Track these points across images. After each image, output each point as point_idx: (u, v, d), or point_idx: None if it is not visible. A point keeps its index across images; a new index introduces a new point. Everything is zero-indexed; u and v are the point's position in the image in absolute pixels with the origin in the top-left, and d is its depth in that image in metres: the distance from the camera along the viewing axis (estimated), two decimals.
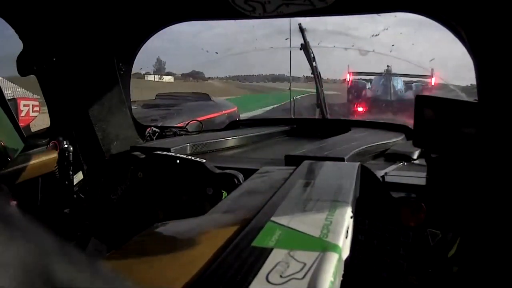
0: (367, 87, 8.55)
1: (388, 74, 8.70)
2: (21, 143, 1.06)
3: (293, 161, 0.95)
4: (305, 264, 0.34)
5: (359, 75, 8.87)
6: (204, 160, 0.97)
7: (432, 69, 8.54)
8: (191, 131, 1.53)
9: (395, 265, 0.73)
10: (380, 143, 1.15)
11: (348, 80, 8.69)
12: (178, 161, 0.98)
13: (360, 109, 7.95)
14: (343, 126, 1.50)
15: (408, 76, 8.80)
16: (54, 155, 1.12)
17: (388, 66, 9.08)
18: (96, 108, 1.25)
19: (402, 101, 7.83)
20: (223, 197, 0.93)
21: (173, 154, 1.01)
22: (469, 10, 0.73)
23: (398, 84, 8.66)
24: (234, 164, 1.01)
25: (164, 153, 1.01)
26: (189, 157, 0.99)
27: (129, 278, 0.18)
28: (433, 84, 8.30)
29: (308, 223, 0.42)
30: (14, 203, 0.94)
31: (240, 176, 0.94)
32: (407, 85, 8.70)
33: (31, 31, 1.06)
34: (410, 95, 8.21)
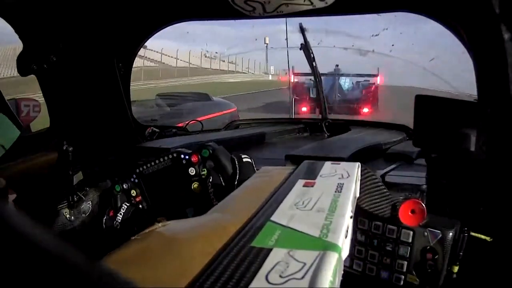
0: (311, 87, 8.56)
1: (334, 74, 8.97)
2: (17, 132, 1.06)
3: (293, 161, 0.95)
4: (305, 264, 0.34)
5: (303, 75, 8.94)
6: (178, 148, 1.00)
7: (378, 68, 8.95)
8: (191, 131, 1.53)
9: (395, 265, 0.73)
10: (380, 143, 1.15)
11: (292, 81, 8.77)
12: (157, 161, 1.02)
13: (304, 108, 8.14)
14: (343, 126, 1.50)
15: (355, 76, 9.10)
16: (54, 155, 1.12)
17: (336, 65, 9.37)
18: (96, 108, 1.25)
19: (347, 100, 8.07)
20: (205, 154, 0.96)
21: (150, 158, 1.04)
22: (469, 10, 0.73)
23: (346, 83, 8.85)
24: None
25: (143, 163, 1.04)
26: (164, 153, 1.02)
27: (129, 278, 0.18)
28: (378, 82, 8.56)
29: (308, 223, 0.42)
30: (12, 202, 0.94)
31: (214, 145, 0.97)
32: (356, 84, 8.89)
33: (31, 31, 1.06)
34: (356, 94, 8.54)
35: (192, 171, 0.98)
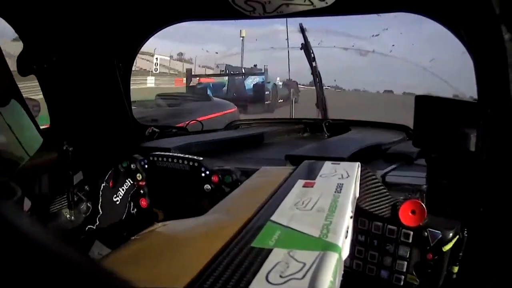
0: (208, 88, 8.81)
1: (227, 74, 9.23)
2: (39, 139, 1.04)
3: (293, 161, 0.95)
4: (305, 264, 0.34)
5: (197, 76, 9.29)
6: (201, 158, 0.97)
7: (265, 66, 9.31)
8: (191, 131, 1.53)
9: (395, 265, 0.73)
10: (380, 143, 1.15)
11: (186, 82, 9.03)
12: (175, 160, 0.99)
13: None
14: (343, 126, 1.50)
15: (241, 74, 9.45)
16: (54, 155, 1.12)
17: (255, 65, 9.83)
18: (96, 108, 1.25)
19: (238, 98, 8.12)
20: (227, 180, 0.94)
21: (171, 154, 1.01)
22: (469, 10, 0.73)
23: (252, 83, 9.17)
24: (234, 164, 1.01)
25: (162, 153, 1.02)
26: (187, 155, 0.99)
27: (128, 277, 0.18)
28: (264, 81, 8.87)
29: (308, 223, 0.42)
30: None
31: (238, 173, 0.94)
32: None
33: (31, 31, 1.06)
34: (248, 92, 8.81)
35: (207, 188, 0.95)
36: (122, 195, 1.06)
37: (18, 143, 0.98)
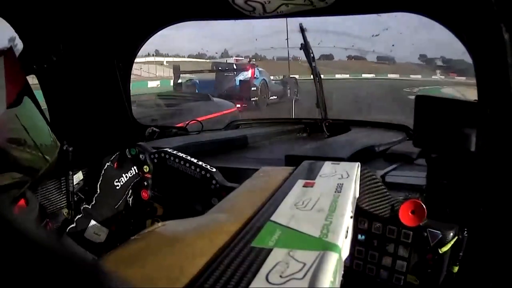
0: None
1: (214, 70, 9.27)
2: (56, 143, 1.00)
3: (293, 161, 0.95)
4: (305, 264, 0.34)
5: (184, 73, 9.45)
6: (214, 170, 0.93)
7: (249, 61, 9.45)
8: (191, 131, 1.53)
9: (395, 265, 0.73)
10: (380, 143, 1.15)
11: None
12: (188, 164, 0.95)
13: None
14: (343, 126, 1.50)
15: (232, 71, 9.44)
16: None
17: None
18: (96, 108, 1.25)
19: (227, 95, 8.13)
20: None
21: (185, 156, 0.98)
22: (469, 10, 0.73)
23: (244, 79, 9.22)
24: (234, 164, 1.01)
25: (175, 153, 0.99)
26: (201, 163, 0.95)
27: (128, 278, 0.18)
28: (249, 76, 8.91)
29: (308, 223, 0.42)
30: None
31: None
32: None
33: (31, 31, 1.06)
34: (236, 89, 8.77)
35: (214, 201, 0.91)
36: (124, 181, 1.04)
37: (36, 149, 0.94)
